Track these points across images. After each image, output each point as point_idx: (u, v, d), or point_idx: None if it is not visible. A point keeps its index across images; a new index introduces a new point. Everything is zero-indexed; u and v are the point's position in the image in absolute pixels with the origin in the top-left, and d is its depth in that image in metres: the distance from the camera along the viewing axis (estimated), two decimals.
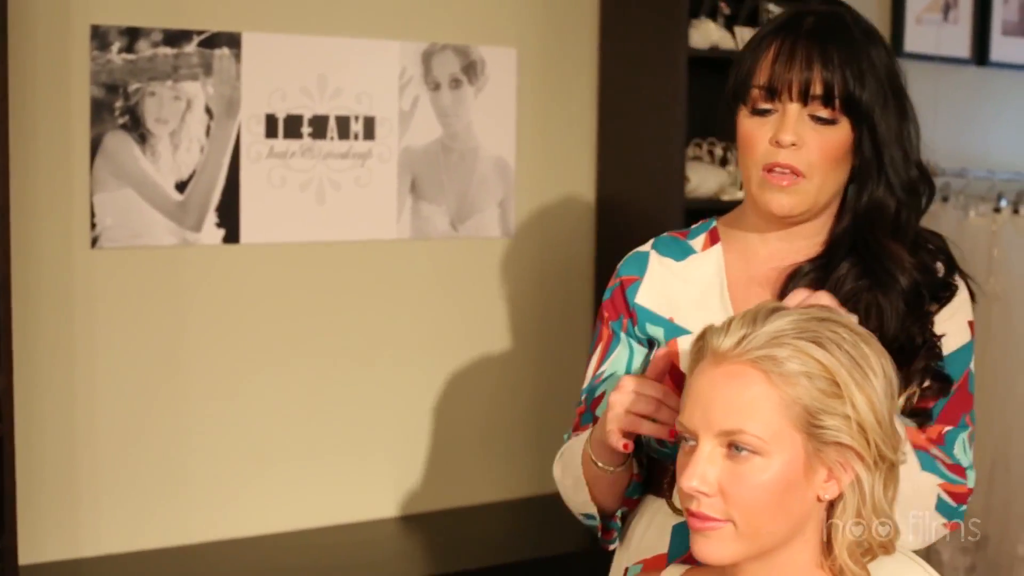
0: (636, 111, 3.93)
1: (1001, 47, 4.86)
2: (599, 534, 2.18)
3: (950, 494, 1.98)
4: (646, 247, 2.20)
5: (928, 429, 2.05)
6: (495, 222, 3.90)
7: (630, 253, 2.21)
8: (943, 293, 2.05)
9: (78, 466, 3.37)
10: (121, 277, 3.39)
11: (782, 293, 2.00)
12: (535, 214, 3.98)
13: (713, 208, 3.77)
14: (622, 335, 2.16)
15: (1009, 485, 4.32)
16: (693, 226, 2.21)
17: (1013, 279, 4.44)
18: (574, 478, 2.10)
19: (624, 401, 1.89)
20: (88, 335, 3.35)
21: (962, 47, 4.77)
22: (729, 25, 3.99)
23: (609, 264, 3.96)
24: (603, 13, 4.03)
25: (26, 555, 3.22)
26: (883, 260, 2.00)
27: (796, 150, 1.97)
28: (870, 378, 1.61)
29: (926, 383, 2.01)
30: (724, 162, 4.00)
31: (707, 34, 3.86)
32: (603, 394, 2.16)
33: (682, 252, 2.15)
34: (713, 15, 3.97)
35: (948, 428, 2.06)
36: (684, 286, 2.11)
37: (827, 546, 1.66)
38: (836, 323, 1.64)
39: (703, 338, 1.67)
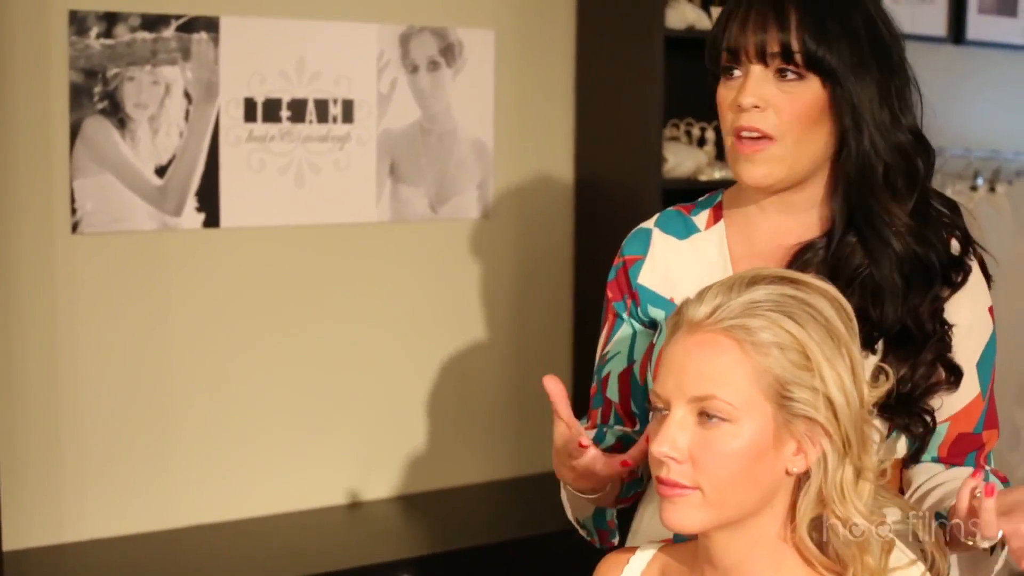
0: (613, 92, 3.94)
1: (978, 25, 4.87)
2: (596, 542, 2.18)
3: None
4: (649, 223, 2.15)
5: (984, 449, 2.03)
6: (474, 204, 3.91)
7: (634, 230, 2.16)
8: (955, 275, 1.99)
9: (61, 451, 3.37)
10: (102, 262, 3.39)
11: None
12: (514, 195, 3.99)
13: (691, 188, 3.80)
14: (625, 316, 2.12)
15: None
16: (700, 199, 2.16)
17: (990, 257, 4.46)
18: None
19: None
20: (70, 320, 3.36)
21: (939, 25, 4.78)
22: (705, 5, 4.00)
23: (588, 243, 4.01)
24: None
25: (10, 541, 3.22)
26: (875, 223, 1.94)
27: (760, 112, 1.93)
28: (839, 361, 1.63)
29: (933, 377, 1.95)
30: (702, 142, 4.02)
31: (683, 14, 3.87)
32: (608, 374, 2.14)
33: (685, 230, 2.11)
34: None
35: (996, 437, 2.05)
36: (686, 266, 2.07)
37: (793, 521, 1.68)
38: (813, 306, 1.65)
39: (679, 312, 1.68)
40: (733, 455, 1.60)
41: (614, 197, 3.95)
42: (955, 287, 1.99)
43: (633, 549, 1.85)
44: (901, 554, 1.82)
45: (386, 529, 3.68)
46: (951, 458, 2.02)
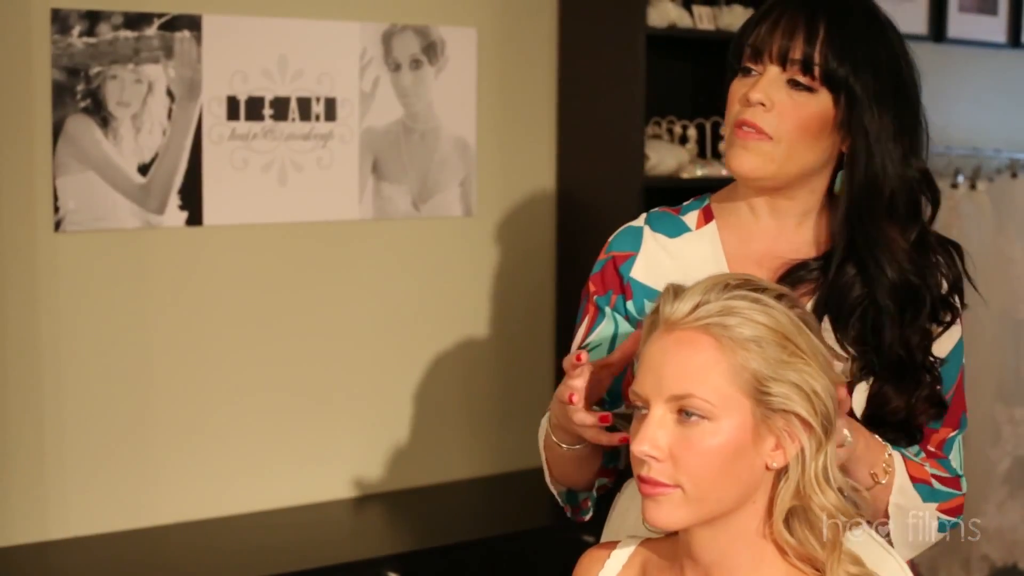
0: (596, 90, 3.95)
1: (958, 23, 4.89)
2: (568, 511, 2.20)
3: (948, 511, 2.04)
4: (639, 222, 2.17)
5: (932, 437, 2.08)
6: (457, 201, 3.92)
7: (622, 228, 2.18)
8: (944, 315, 2.05)
9: (45, 449, 3.38)
10: (85, 260, 3.39)
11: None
12: (497, 193, 4.00)
13: (673, 186, 3.82)
14: (607, 310, 2.13)
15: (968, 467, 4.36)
16: (685, 203, 2.19)
17: (970, 254, 4.47)
18: (542, 458, 2.13)
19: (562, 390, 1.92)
20: (53, 318, 3.36)
21: (919, 23, 4.79)
22: (687, 4, 4.01)
23: (571, 241, 4.02)
24: None
25: None
26: (874, 246, 1.99)
27: (765, 111, 1.97)
28: (816, 356, 1.65)
29: (922, 407, 2.03)
30: (683, 140, 4.03)
31: (665, 13, 3.88)
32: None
33: (675, 228, 2.14)
34: None
35: (951, 433, 2.10)
36: (677, 264, 2.09)
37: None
38: (789, 307, 1.68)
39: (656, 311, 1.70)
40: (713, 452, 1.61)
41: (596, 195, 3.96)
42: (945, 327, 2.06)
43: (614, 544, 1.86)
44: (881, 549, 1.84)
45: (371, 525, 3.69)
46: None
